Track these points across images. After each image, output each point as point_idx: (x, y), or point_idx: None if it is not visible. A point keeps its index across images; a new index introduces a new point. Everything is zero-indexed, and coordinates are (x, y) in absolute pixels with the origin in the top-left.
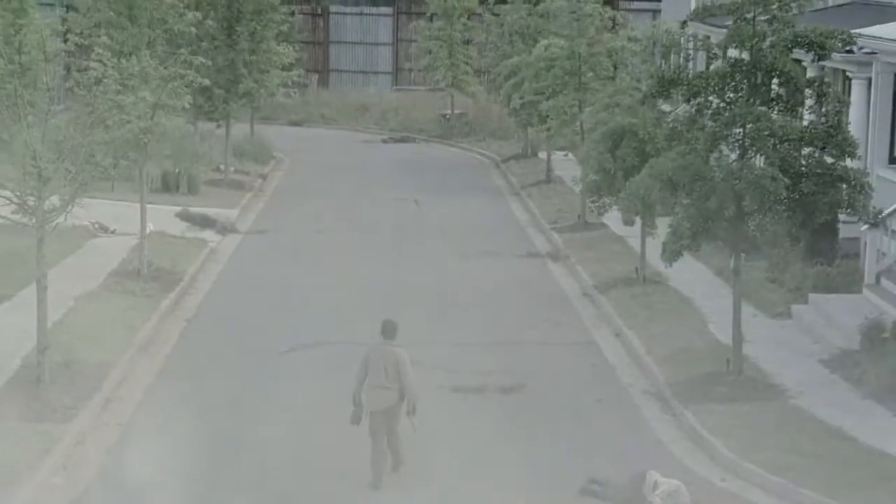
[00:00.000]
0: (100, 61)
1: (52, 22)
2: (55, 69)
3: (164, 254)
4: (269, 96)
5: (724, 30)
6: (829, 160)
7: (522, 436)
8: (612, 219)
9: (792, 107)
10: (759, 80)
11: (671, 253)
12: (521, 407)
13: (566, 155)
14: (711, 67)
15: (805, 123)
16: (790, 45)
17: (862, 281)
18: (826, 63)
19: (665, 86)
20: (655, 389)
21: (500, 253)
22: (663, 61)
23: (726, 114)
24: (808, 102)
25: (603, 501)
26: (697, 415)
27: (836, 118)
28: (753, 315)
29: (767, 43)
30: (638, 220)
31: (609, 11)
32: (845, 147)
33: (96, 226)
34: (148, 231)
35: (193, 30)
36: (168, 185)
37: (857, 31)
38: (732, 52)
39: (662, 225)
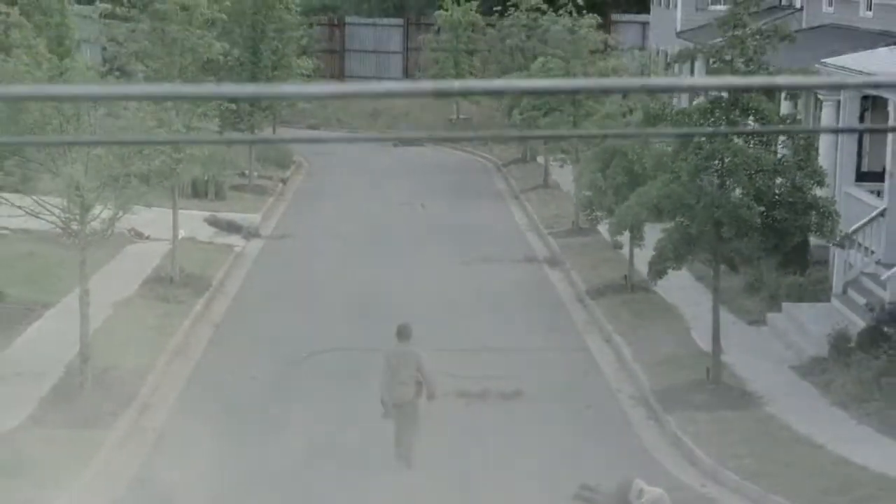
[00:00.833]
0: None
1: (95, 64)
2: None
3: (193, 260)
4: (289, 107)
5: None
6: (800, 189)
7: (520, 441)
8: (604, 225)
9: (766, 141)
10: (736, 117)
11: (656, 272)
12: (519, 413)
13: (561, 166)
14: (694, 103)
15: (778, 155)
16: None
17: (831, 290)
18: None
19: (651, 120)
20: (641, 395)
21: (500, 259)
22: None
23: (707, 147)
24: (781, 136)
25: None
26: (679, 422)
27: (805, 151)
28: (732, 322)
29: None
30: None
31: (602, 35)
32: (814, 177)
33: (132, 232)
34: (179, 237)
35: (221, 58)
36: (197, 191)
37: (827, 60)
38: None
39: (651, 231)
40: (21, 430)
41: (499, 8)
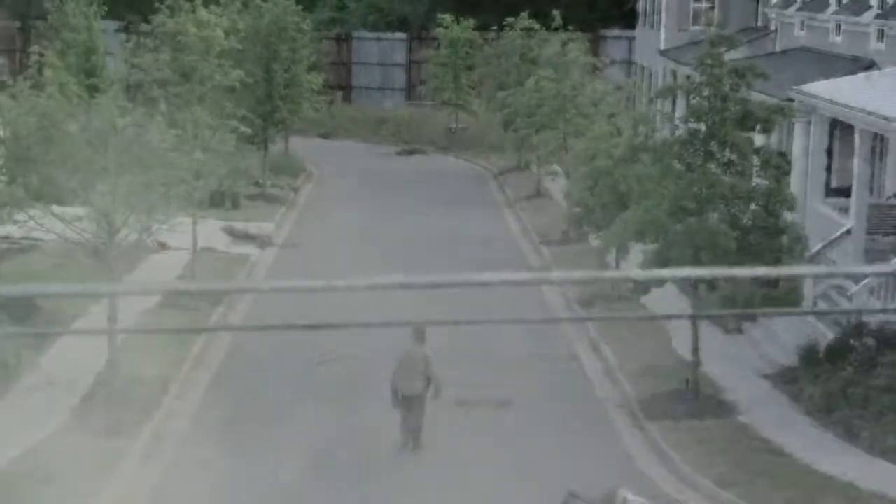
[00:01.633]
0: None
1: (122, 101)
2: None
3: (211, 270)
4: (300, 121)
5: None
6: (773, 214)
7: (514, 448)
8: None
9: (741, 170)
10: (714, 149)
11: (640, 290)
12: (514, 420)
13: (553, 179)
14: (675, 134)
15: (752, 183)
16: (741, 120)
17: (803, 301)
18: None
19: (634, 151)
20: (626, 403)
21: (496, 268)
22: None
23: (687, 176)
24: (756, 167)
25: None
26: (661, 431)
27: (777, 181)
28: (710, 331)
29: (720, 118)
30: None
31: (591, 58)
32: (785, 203)
33: (154, 242)
34: (198, 247)
35: (238, 84)
36: (214, 201)
37: (799, 87)
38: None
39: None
40: (53, 440)
41: (494, 28)
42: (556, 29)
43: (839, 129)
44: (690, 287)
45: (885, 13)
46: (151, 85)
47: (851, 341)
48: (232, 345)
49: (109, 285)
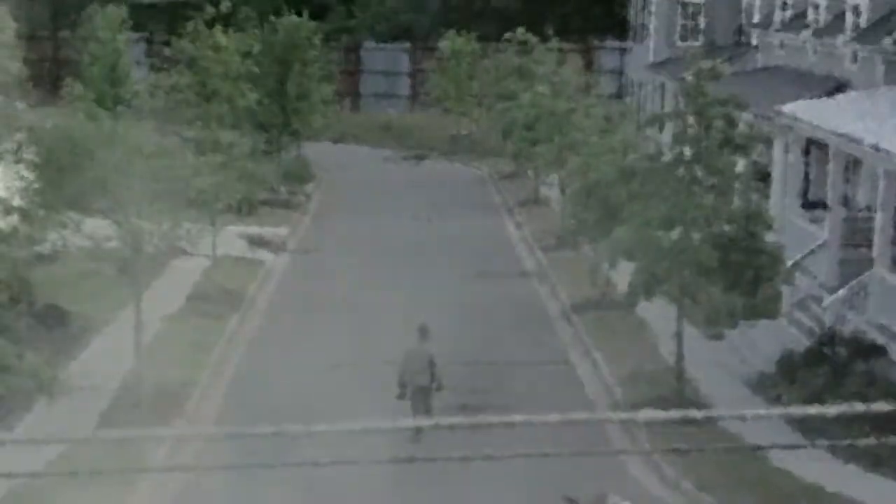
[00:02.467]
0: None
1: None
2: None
3: (229, 275)
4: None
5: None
6: (752, 235)
7: (503, 451)
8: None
9: (723, 192)
10: (697, 173)
11: (629, 302)
12: (509, 425)
13: (550, 187)
14: (662, 159)
15: (734, 206)
16: (722, 146)
17: (781, 309)
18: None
19: (625, 175)
20: (616, 408)
21: (497, 273)
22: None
23: (672, 199)
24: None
25: None
26: (649, 436)
27: (757, 203)
28: (694, 337)
29: (704, 144)
30: None
31: (584, 76)
32: (763, 225)
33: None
34: (217, 253)
35: (254, 105)
36: (232, 207)
37: (779, 108)
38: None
39: None
40: (86, 443)
41: (495, 39)
42: (549, 38)
43: (816, 144)
44: (678, 298)
45: (857, 37)
46: (171, 104)
47: (825, 350)
48: (246, 350)
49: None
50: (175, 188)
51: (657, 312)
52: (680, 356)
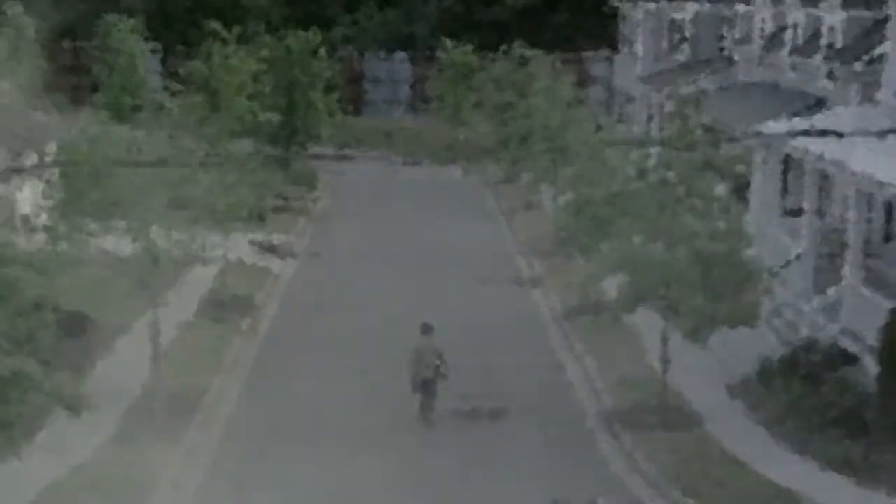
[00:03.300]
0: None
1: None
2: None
3: (240, 282)
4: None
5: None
6: (734, 252)
7: (504, 455)
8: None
9: (705, 212)
10: (681, 194)
11: (618, 316)
12: (504, 430)
13: (544, 193)
14: (648, 179)
15: (715, 225)
16: (702, 168)
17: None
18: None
19: (613, 197)
20: (605, 414)
21: (494, 280)
22: None
23: (656, 220)
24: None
25: None
26: (635, 441)
27: (737, 223)
28: (679, 342)
29: (687, 168)
30: None
31: (576, 89)
32: (743, 243)
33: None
34: (229, 260)
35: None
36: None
37: (757, 127)
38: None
39: None
40: (105, 449)
41: (492, 49)
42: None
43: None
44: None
45: (832, 57)
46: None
47: (800, 358)
48: (257, 354)
49: None
50: (191, 200)
51: (645, 316)
52: (665, 366)
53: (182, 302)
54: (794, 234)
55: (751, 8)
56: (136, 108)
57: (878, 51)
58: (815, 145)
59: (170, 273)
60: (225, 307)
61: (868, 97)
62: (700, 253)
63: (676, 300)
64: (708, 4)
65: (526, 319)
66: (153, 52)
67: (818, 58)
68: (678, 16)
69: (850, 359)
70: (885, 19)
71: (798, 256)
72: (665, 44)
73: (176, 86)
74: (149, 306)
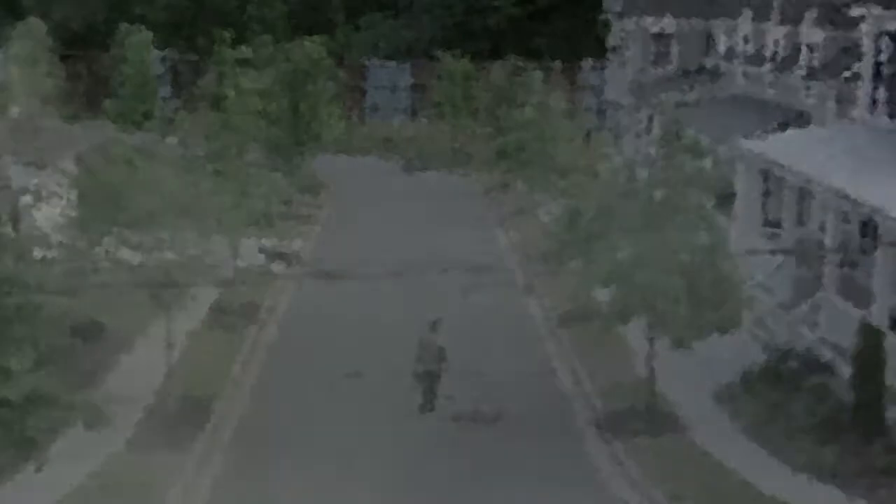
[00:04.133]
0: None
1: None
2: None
3: (248, 288)
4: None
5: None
6: (714, 267)
7: (498, 460)
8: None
9: (691, 229)
10: (667, 212)
11: (607, 329)
12: (499, 434)
13: (537, 199)
14: (638, 197)
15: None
16: (688, 184)
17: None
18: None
19: (602, 211)
20: (595, 419)
21: (490, 285)
22: None
23: (643, 237)
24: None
25: None
26: (624, 446)
27: (721, 238)
28: (666, 348)
29: (673, 183)
30: None
31: (568, 104)
32: (725, 259)
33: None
34: (238, 267)
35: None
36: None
37: (740, 143)
38: None
39: None
40: (121, 455)
41: (487, 60)
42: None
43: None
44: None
45: (811, 74)
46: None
47: (780, 366)
48: (265, 360)
49: None
50: (200, 208)
51: (633, 323)
52: (652, 376)
53: (193, 308)
54: (775, 244)
55: (736, 22)
56: (147, 116)
57: (853, 69)
58: (794, 162)
59: (181, 285)
60: (234, 314)
61: (844, 113)
62: (685, 267)
63: (662, 312)
64: (694, 19)
65: (520, 326)
66: (163, 60)
67: (798, 74)
68: (663, 29)
69: (826, 367)
70: (860, 40)
71: (779, 266)
72: (652, 56)
73: (187, 98)
74: (161, 315)
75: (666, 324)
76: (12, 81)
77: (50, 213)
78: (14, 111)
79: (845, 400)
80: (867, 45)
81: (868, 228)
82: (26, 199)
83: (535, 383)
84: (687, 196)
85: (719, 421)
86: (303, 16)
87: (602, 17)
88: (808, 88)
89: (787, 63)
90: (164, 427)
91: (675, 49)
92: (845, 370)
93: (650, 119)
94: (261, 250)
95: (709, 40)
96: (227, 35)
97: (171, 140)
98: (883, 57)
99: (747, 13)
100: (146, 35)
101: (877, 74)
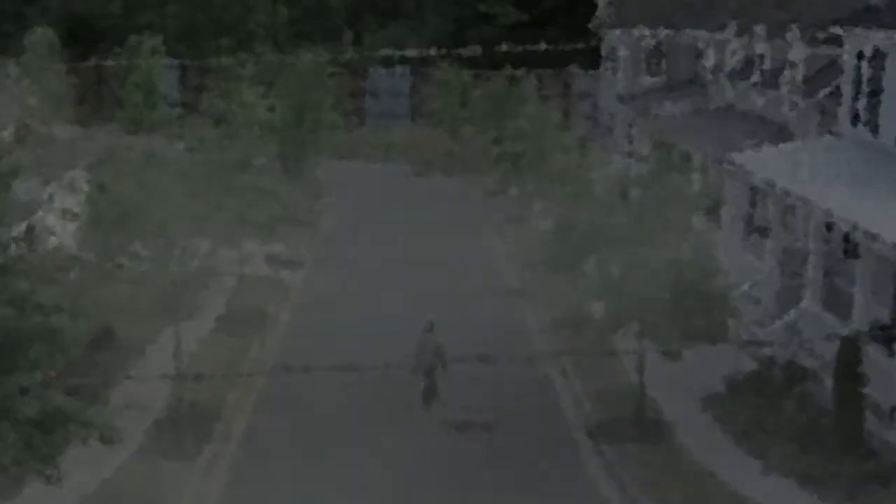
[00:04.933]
0: None
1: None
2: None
3: (254, 295)
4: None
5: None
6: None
7: (493, 466)
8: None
9: (680, 243)
10: (656, 227)
11: (600, 338)
12: (494, 441)
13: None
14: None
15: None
16: (677, 199)
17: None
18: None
19: (595, 225)
20: (588, 427)
21: (486, 291)
22: None
23: (634, 251)
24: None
25: None
26: (616, 454)
27: (709, 252)
28: (656, 355)
29: (663, 197)
30: None
31: (563, 115)
32: (712, 273)
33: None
34: (243, 272)
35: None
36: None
37: (731, 157)
38: None
39: None
40: (132, 462)
41: (484, 68)
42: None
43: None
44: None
45: (795, 89)
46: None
47: (764, 374)
48: (271, 367)
49: None
50: (210, 219)
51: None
52: (643, 388)
53: (201, 315)
54: (760, 254)
55: (724, 36)
56: (156, 123)
57: (835, 84)
58: (780, 178)
59: (188, 293)
60: (242, 320)
61: (826, 127)
62: (674, 279)
63: (652, 322)
64: (685, 31)
65: (515, 331)
66: (170, 67)
67: (783, 89)
68: (654, 41)
69: (809, 375)
70: (841, 58)
71: (765, 276)
72: (643, 66)
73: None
74: (170, 322)
75: (655, 333)
76: (25, 92)
77: (64, 227)
78: (28, 122)
79: (828, 407)
80: (848, 62)
81: (850, 241)
82: (41, 215)
83: (526, 389)
84: (675, 210)
85: (708, 427)
86: (305, 23)
87: (595, 26)
88: (793, 103)
89: (772, 78)
90: (172, 439)
91: (665, 61)
92: (828, 379)
93: (640, 129)
94: (265, 255)
95: (698, 53)
96: (231, 44)
97: (179, 146)
98: (863, 75)
99: (733, 27)
100: (155, 42)
101: (857, 91)
